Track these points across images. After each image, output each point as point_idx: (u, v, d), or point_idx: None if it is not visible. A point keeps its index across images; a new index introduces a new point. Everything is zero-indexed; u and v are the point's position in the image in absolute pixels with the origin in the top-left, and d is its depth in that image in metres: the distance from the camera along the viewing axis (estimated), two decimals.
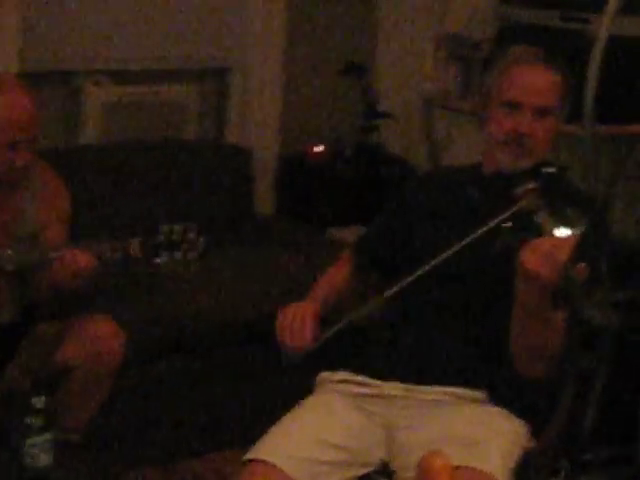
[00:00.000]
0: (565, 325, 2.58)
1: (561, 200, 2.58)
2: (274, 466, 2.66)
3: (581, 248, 2.35)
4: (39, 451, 2.78)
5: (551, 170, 2.76)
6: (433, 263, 2.67)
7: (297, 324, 2.86)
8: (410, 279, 2.70)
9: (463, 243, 2.65)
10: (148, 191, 4.72)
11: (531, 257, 2.36)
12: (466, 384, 2.78)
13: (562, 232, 2.42)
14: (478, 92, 3.27)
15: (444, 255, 2.66)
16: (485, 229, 2.62)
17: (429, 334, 2.88)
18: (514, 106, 2.83)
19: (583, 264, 2.26)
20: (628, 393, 3.83)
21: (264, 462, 2.68)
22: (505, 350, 2.68)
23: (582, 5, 4.25)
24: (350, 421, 2.80)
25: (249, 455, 2.72)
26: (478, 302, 2.81)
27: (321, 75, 5.42)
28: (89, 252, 3.28)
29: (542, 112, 2.84)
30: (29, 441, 2.76)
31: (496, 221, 2.60)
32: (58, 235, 3.49)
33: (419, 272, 2.69)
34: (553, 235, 2.42)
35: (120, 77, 5.04)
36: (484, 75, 3.22)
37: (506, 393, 2.77)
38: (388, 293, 2.75)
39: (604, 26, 3.96)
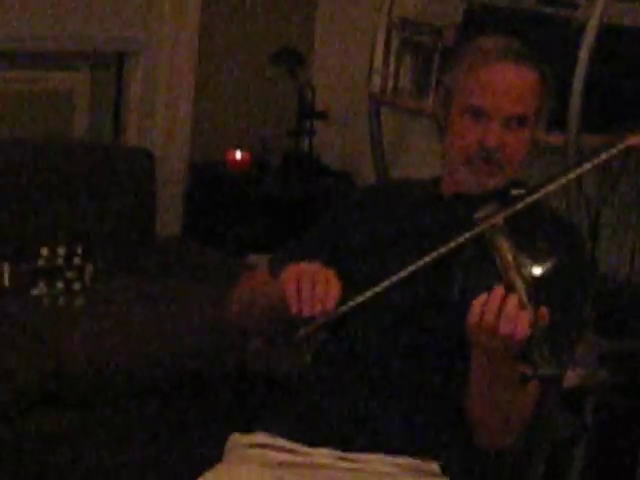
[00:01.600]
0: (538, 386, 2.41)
1: (531, 229, 2.43)
2: None
3: (547, 289, 2.30)
4: None
5: (519, 192, 2.50)
6: (369, 294, 2.38)
7: (322, 286, 2.42)
8: (367, 296, 2.41)
9: (404, 273, 2.38)
10: (24, 204, 4.29)
11: (476, 329, 2.24)
12: (416, 453, 2.49)
13: (527, 270, 2.30)
14: (437, 90, 3.02)
15: (385, 283, 2.38)
16: (430, 258, 2.39)
17: (371, 389, 2.57)
18: (481, 113, 2.51)
19: (543, 307, 2.17)
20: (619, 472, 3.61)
21: None
22: (464, 414, 2.49)
23: None
24: None
25: None
26: (433, 354, 2.52)
27: (245, 63, 5.04)
28: None
29: (516, 121, 2.52)
30: None
31: (444, 249, 2.37)
32: None
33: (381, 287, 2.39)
34: (515, 273, 2.28)
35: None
36: (444, 70, 2.94)
37: (464, 466, 2.52)
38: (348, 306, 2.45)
39: (596, 12, 3.63)
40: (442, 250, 2.35)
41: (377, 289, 2.36)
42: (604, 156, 2.47)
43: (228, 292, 2.77)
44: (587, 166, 2.51)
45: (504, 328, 2.13)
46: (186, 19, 4.84)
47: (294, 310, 2.34)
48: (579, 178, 2.98)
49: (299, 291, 2.38)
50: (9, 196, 4.22)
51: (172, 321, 4.01)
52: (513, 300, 2.17)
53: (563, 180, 2.55)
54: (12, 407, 3.54)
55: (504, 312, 2.16)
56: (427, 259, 2.35)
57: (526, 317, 2.15)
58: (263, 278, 2.67)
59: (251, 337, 2.95)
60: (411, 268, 2.33)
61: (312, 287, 2.38)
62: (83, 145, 4.78)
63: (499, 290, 2.18)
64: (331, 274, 2.42)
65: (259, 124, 4.99)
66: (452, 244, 2.35)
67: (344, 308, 2.39)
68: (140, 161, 4.66)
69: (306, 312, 2.35)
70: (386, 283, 2.35)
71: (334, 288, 2.40)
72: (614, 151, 2.47)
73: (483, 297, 2.19)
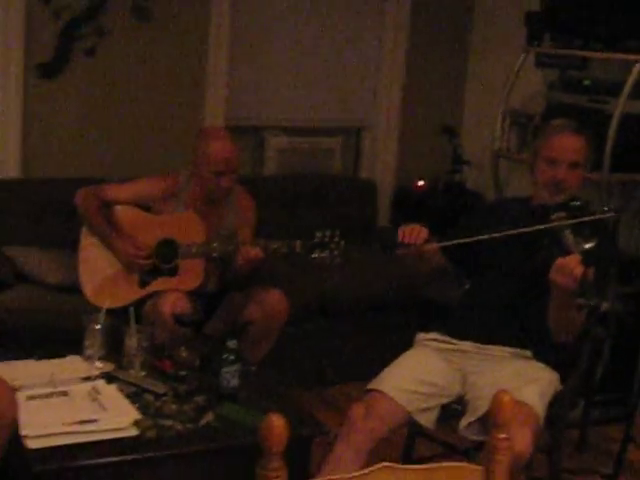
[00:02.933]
0: (584, 312, 2.95)
1: (582, 223, 2.99)
2: (385, 394, 3.01)
3: (592, 257, 2.84)
4: (231, 377, 3.09)
5: (577, 203, 3.14)
6: (484, 237, 3.09)
7: (415, 229, 3.16)
8: (459, 241, 3.14)
9: (515, 232, 3.06)
10: (307, 208, 5.09)
11: (556, 276, 2.81)
12: (518, 346, 3.16)
13: (581, 246, 2.90)
14: (530, 149, 3.53)
15: (498, 234, 3.07)
16: (529, 230, 3.03)
17: (495, 310, 3.21)
18: (552, 161, 3.21)
19: (591, 268, 2.75)
20: (626, 357, 4.09)
21: (379, 391, 3.03)
22: (544, 323, 3.07)
23: (604, 91, 4.46)
24: (437, 366, 3.16)
25: (369, 386, 3.08)
26: (528, 291, 3.15)
27: (425, 132, 5.73)
28: (259, 247, 3.69)
29: (573, 165, 3.20)
30: (224, 370, 3.08)
31: (537, 229, 3.02)
32: (246, 235, 3.86)
33: (472, 239, 3.11)
34: (575, 248, 2.88)
35: (290, 131, 5.53)
36: (535, 138, 3.52)
37: (545, 353, 3.14)
38: (440, 244, 3.21)
39: (619, 106, 4.21)
40: (534, 229, 3.02)
41: (466, 240, 3.11)
42: (538, 228, 3.04)
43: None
44: (528, 230, 3.07)
45: (573, 271, 2.72)
46: (393, 108, 5.64)
47: (399, 239, 3.14)
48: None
49: (404, 230, 3.17)
50: (300, 203, 5.10)
51: (381, 273, 4.72)
52: (576, 259, 2.78)
53: (605, 215, 3.12)
54: (296, 316, 4.07)
55: (572, 265, 2.76)
56: (522, 230, 3.03)
57: (581, 269, 2.72)
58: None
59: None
60: (509, 232, 3.04)
61: (411, 231, 3.16)
62: (338, 177, 5.67)
63: (572, 256, 2.80)
64: (424, 230, 3.16)
65: (432, 166, 5.70)
66: (538, 228, 3.03)
67: (427, 245, 3.14)
68: (368, 186, 5.60)
69: (402, 239, 3.15)
70: (475, 238, 3.10)
71: (423, 235, 3.14)
72: (544, 227, 3.03)
73: (562, 259, 2.80)
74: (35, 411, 2.90)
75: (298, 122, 5.55)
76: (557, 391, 3.14)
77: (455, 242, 3.17)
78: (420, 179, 5.63)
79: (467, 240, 3.13)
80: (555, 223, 3.03)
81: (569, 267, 2.79)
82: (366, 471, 1.56)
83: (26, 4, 4.57)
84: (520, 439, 2.67)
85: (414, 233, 3.18)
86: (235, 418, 3.02)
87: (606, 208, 3.18)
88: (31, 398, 2.98)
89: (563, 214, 3.06)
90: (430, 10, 5.63)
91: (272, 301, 3.88)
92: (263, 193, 4.40)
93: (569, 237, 2.94)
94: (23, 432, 2.76)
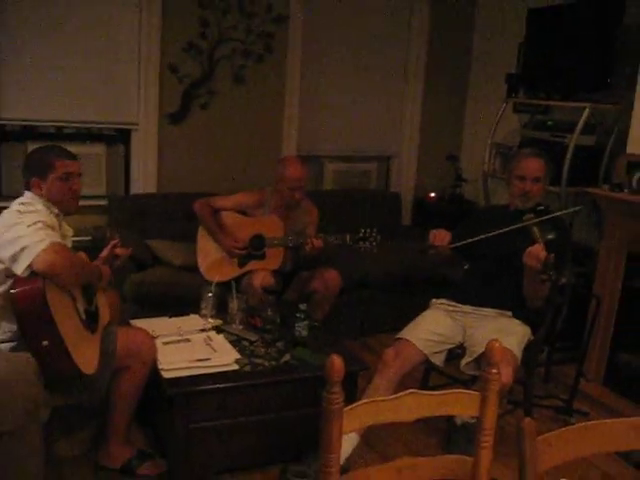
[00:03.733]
0: (547, 284, 2.93)
1: (546, 221, 3.01)
2: (409, 341, 3.04)
3: (553, 246, 2.82)
4: (302, 329, 3.12)
5: (541, 207, 3.14)
6: (481, 237, 3.04)
7: (441, 234, 3.15)
8: (468, 241, 3.07)
9: (500, 232, 3.01)
10: (353, 212, 5.02)
11: (527, 259, 2.84)
12: (503, 308, 3.14)
13: (545, 238, 2.88)
14: (507, 170, 3.39)
15: (489, 235, 3.03)
16: (509, 229, 2.99)
17: (486, 281, 3.19)
18: (521, 178, 3.17)
19: (552, 254, 2.75)
20: (578, 316, 3.97)
21: (405, 339, 3.05)
22: (521, 292, 3.06)
23: (562, 129, 4.38)
24: (445, 322, 3.17)
25: (397, 336, 3.10)
26: (508, 270, 3.10)
27: (435, 158, 5.67)
28: (320, 240, 3.69)
29: (536, 180, 3.16)
30: (297, 324, 3.12)
31: (514, 227, 2.99)
32: (312, 231, 3.88)
33: (474, 239, 3.06)
34: (540, 239, 2.85)
35: (341, 159, 5.51)
36: (510, 161, 3.41)
37: (521, 313, 3.12)
38: (458, 244, 3.13)
39: (573, 140, 4.14)
40: (512, 227, 2.99)
41: (470, 240, 3.06)
42: (515, 227, 2.99)
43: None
44: (510, 229, 3.00)
45: (538, 256, 2.75)
46: (412, 141, 5.61)
47: (430, 240, 3.15)
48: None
49: (435, 234, 3.17)
50: (344, 206, 5.00)
51: (404, 257, 4.61)
52: (540, 248, 2.80)
53: (558, 213, 3.17)
54: (346, 287, 4.01)
55: (537, 251, 2.77)
56: (504, 230, 3.00)
57: (544, 254, 2.74)
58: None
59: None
60: (496, 232, 3.02)
61: (439, 235, 3.15)
62: (374, 191, 5.57)
63: (537, 245, 2.81)
64: (448, 233, 3.15)
65: (441, 183, 5.62)
66: (515, 226, 2.99)
67: (450, 245, 3.13)
68: (395, 198, 5.50)
69: (433, 242, 3.15)
70: (476, 238, 3.04)
71: (446, 237, 3.14)
72: (519, 226, 2.99)
73: (531, 247, 2.81)
74: (168, 352, 2.94)
75: (347, 152, 5.53)
76: (529, 340, 3.11)
77: (465, 242, 3.10)
78: (432, 192, 5.62)
79: (472, 240, 3.08)
80: (526, 222, 3.00)
81: (536, 253, 2.78)
82: (398, 395, 1.56)
83: (160, 73, 4.63)
84: (505, 374, 2.65)
85: (441, 236, 3.17)
86: (305, 358, 3.04)
87: (576, 208, 3.31)
88: (165, 343, 3.02)
89: (531, 215, 3.03)
90: (439, 71, 5.58)
91: (329, 277, 3.87)
92: (323, 202, 4.36)
93: (536, 231, 2.90)
94: (160, 366, 2.81)
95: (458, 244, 3.12)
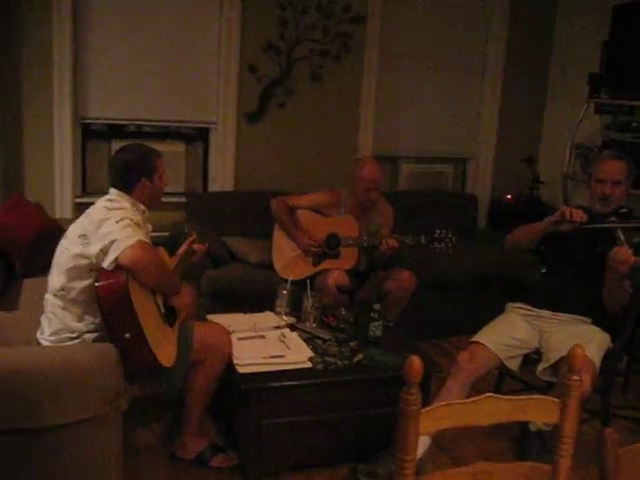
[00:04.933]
0: (630, 289, 2.91)
1: (631, 225, 2.94)
2: (484, 345, 3.00)
3: (638, 250, 2.77)
4: (375, 329, 3.12)
5: (624, 210, 3.08)
6: (611, 225, 2.92)
7: (580, 212, 2.98)
8: (603, 225, 2.96)
9: (602, 226, 2.96)
10: (429, 213, 4.94)
11: (614, 263, 2.79)
12: (581, 314, 3.08)
13: (630, 241, 2.82)
14: (588, 173, 3.38)
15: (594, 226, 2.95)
16: (594, 227, 2.96)
17: (566, 286, 3.13)
18: (601, 181, 3.11)
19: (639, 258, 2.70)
20: None
21: (479, 342, 3.01)
22: (600, 298, 3.00)
23: None
24: (521, 326, 3.11)
25: (472, 339, 3.06)
26: (589, 275, 3.06)
27: (512, 160, 5.60)
28: (395, 240, 3.69)
29: (616, 183, 3.09)
30: (371, 324, 3.12)
31: (598, 226, 2.96)
32: (387, 232, 3.86)
33: (610, 225, 2.94)
34: (624, 244, 2.80)
35: (417, 160, 5.49)
36: (591, 164, 3.37)
37: (601, 320, 3.05)
38: (593, 225, 2.99)
39: None
40: (595, 226, 2.96)
41: (604, 225, 2.96)
42: (599, 227, 2.93)
43: (506, 238, 3.33)
44: (594, 227, 2.94)
45: (627, 259, 2.72)
46: (489, 143, 5.55)
47: (566, 216, 2.96)
48: None
49: (571, 210, 3.00)
50: (420, 210, 4.94)
51: (479, 257, 4.60)
52: (628, 252, 2.75)
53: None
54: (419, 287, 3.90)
55: (626, 255, 2.72)
56: (592, 227, 2.96)
57: (632, 258, 2.71)
58: (530, 226, 3.20)
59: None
60: (597, 226, 2.95)
61: (577, 212, 2.98)
62: (451, 192, 5.57)
63: (625, 249, 2.77)
64: (584, 213, 2.97)
65: (518, 185, 5.53)
66: (599, 226, 2.97)
67: (585, 224, 2.97)
68: (471, 199, 5.46)
69: (569, 217, 2.97)
70: (607, 225, 2.95)
71: (585, 216, 2.97)
72: (603, 226, 2.92)
73: (619, 249, 2.76)
74: (243, 348, 2.96)
75: (422, 153, 5.51)
76: (609, 348, 3.03)
77: (599, 226, 2.99)
78: (508, 194, 5.56)
79: (607, 226, 2.96)
80: (612, 224, 2.92)
81: (625, 256, 2.73)
82: (476, 398, 1.54)
83: (239, 72, 4.69)
84: (584, 382, 2.51)
85: (579, 213, 3.03)
86: (378, 358, 3.02)
87: None
88: (240, 339, 3.05)
89: (614, 218, 2.97)
90: (518, 71, 5.51)
91: (404, 278, 3.85)
92: (399, 203, 4.35)
93: (620, 234, 2.84)
94: (235, 361, 2.84)
95: (593, 225, 3.00)
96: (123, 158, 2.70)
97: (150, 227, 2.83)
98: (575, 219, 2.99)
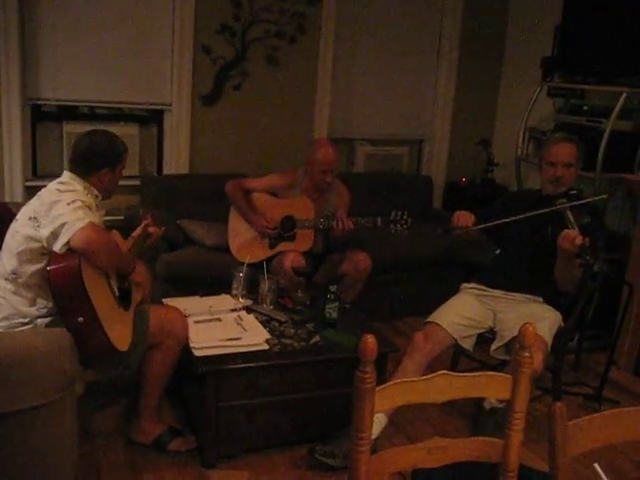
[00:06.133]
0: (580, 269, 2.93)
1: (579, 205, 2.98)
2: (439, 325, 3.04)
3: (588, 230, 2.80)
4: (332, 311, 3.13)
5: (574, 192, 3.11)
6: (507, 220, 3.02)
7: (465, 216, 3.15)
8: (493, 223, 3.05)
9: (530, 214, 2.98)
10: (385, 195, 4.99)
11: (563, 242, 2.81)
12: (534, 293, 3.13)
13: (579, 222, 2.85)
14: (539, 156, 3.36)
15: (517, 218, 2.99)
16: (540, 212, 2.97)
17: (517, 266, 3.18)
18: (553, 164, 3.16)
19: (587, 238, 2.72)
20: (609, 303, 3.97)
21: (435, 323, 3.05)
22: (552, 277, 3.03)
23: (598, 114, 4.34)
24: (475, 306, 3.17)
25: (427, 319, 3.10)
26: (540, 255, 3.10)
27: (467, 143, 5.66)
28: (351, 222, 3.67)
29: (567, 165, 3.14)
30: (327, 306, 3.13)
31: (546, 210, 2.96)
32: (343, 213, 3.81)
33: (499, 222, 3.03)
34: (574, 225, 2.82)
35: (372, 142, 5.47)
36: (543, 147, 3.37)
37: (552, 299, 3.11)
38: (482, 226, 3.10)
39: (609, 125, 4.10)
40: (544, 211, 2.96)
41: (494, 223, 3.03)
42: (547, 211, 2.95)
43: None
44: (541, 212, 2.97)
45: (575, 239, 2.71)
46: (445, 124, 5.56)
47: (454, 223, 3.12)
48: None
49: (458, 216, 3.14)
50: (375, 191, 4.93)
51: (435, 239, 4.36)
52: (575, 232, 2.77)
53: (589, 199, 3.06)
54: (376, 270, 3.92)
55: (574, 235, 2.73)
56: (535, 213, 2.97)
57: (579, 238, 2.71)
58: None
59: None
60: (526, 215, 2.99)
61: (463, 217, 3.12)
62: (405, 175, 5.51)
63: (572, 230, 2.79)
64: (472, 215, 3.12)
65: (473, 167, 5.60)
66: (547, 209, 2.96)
67: (474, 226, 3.09)
68: (427, 181, 5.43)
69: (457, 223, 3.11)
70: (501, 221, 3.01)
71: (471, 219, 3.12)
72: (549, 209, 2.95)
73: (567, 231, 2.78)
74: (199, 331, 2.96)
75: (378, 135, 5.52)
76: (560, 327, 3.09)
77: (491, 224, 3.08)
78: (463, 177, 5.60)
79: (497, 223, 3.05)
80: (559, 206, 2.96)
81: (572, 236, 2.75)
82: (429, 376, 1.56)
83: (193, 55, 4.64)
84: (535, 359, 2.54)
85: (465, 218, 3.15)
86: (334, 339, 3.04)
87: (604, 196, 3.15)
88: (197, 322, 3.05)
89: (564, 200, 2.98)
90: (472, 54, 5.54)
91: (360, 259, 3.86)
92: (355, 185, 4.35)
93: (569, 215, 2.88)
94: (191, 344, 2.83)
95: (482, 226, 3.11)
96: (92, 142, 2.66)
97: (104, 212, 2.79)
98: (462, 224, 3.09)
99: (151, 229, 2.99)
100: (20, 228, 2.49)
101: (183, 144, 4.76)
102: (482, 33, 5.54)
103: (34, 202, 2.51)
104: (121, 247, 2.71)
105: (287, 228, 3.91)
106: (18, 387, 2.16)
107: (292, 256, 3.73)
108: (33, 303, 2.50)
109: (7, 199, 4.23)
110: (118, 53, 4.48)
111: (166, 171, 4.80)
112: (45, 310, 2.50)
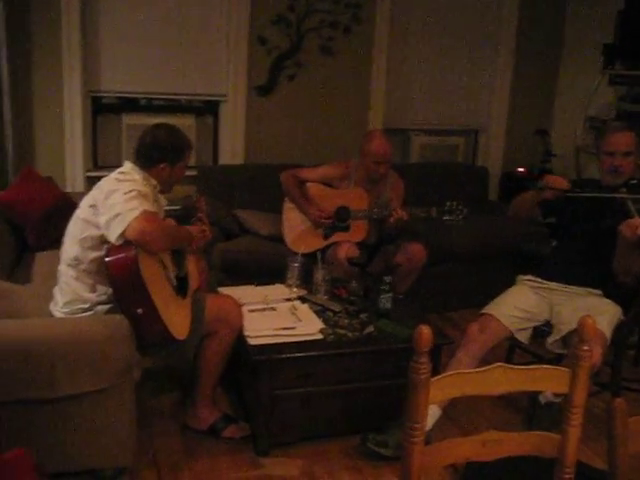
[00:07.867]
0: None
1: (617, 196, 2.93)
2: (494, 317, 3.00)
3: None
4: (385, 301, 3.12)
5: (634, 181, 3.04)
6: (598, 195, 2.98)
7: (561, 179, 3.10)
8: (586, 194, 3.01)
9: (602, 195, 2.97)
10: (440, 185, 4.96)
11: (625, 230, 2.76)
12: (592, 286, 3.06)
13: None
14: (596, 146, 3.31)
15: (594, 194, 2.98)
16: (605, 195, 2.96)
17: (577, 259, 3.12)
18: (611, 153, 3.07)
19: None
20: None
21: (490, 315, 3.02)
22: (611, 270, 2.98)
23: None
24: (531, 299, 3.11)
25: (483, 311, 3.06)
26: (599, 247, 3.03)
27: (524, 133, 5.60)
28: (405, 212, 3.64)
29: (625, 154, 3.06)
30: (381, 296, 3.11)
31: (607, 196, 2.95)
32: (397, 204, 3.80)
33: (592, 194, 3.01)
34: (635, 215, 2.77)
35: (427, 132, 5.48)
36: (600, 136, 3.32)
37: (612, 292, 3.04)
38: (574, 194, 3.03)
39: None
40: (604, 195, 2.97)
41: (587, 194, 3.01)
42: (608, 196, 2.92)
43: (510, 206, 3.35)
44: (603, 197, 2.95)
45: (637, 228, 2.69)
46: (501, 118, 5.51)
47: (547, 183, 3.05)
48: None
49: (553, 177, 3.13)
50: (434, 184, 4.92)
51: (490, 230, 4.56)
52: (639, 221, 2.73)
53: None
54: (431, 261, 3.90)
55: (637, 223, 2.70)
56: (600, 195, 2.98)
57: None
58: (522, 196, 3.23)
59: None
60: (600, 195, 2.98)
61: (558, 179, 3.10)
62: (462, 165, 5.50)
63: (636, 218, 2.75)
64: (564, 180, 3.09)
65: (530, 157, 5.57)
66: (607, 195, 2.96)
67: (566, 190, 3.03)
68: (482, 172, 5.41)
69: (552, 184, 3.04)
70: (591, 194, 3.01)
71: (564, 184, 3.06)
72: (610, 196, 2.92)
73: (629, 220, 2.74)
74: (254, 320, 2.98)
75: (434, 126, 5.49)
76: (620, 320, 3.01)
77: (582, 194, 3.03)
78: (520, 167, 5.52)
79: (589, 195, 3.01)
80: (621, 195, 2.90)
81: (636, 224, 2.70)
82: (486, 368, 1.53)
83: (248, 45, 4.67)
84: (594, 353, 2.58)
85: (559, 180, 3.10)
86: (388, 330, 3.03)
87: None
88: (251, 311, 3.07)
89: (624, 190, 2.93)
90: (530, 42, 5.45)
91: (414, 250, 3.85)
92: (409, 175, 4.32)
93: (630, 205, 2.82)
94: (246, 333, 2.85)
95: (574, 194, 3.04)
96: (154, 136, 2.69)
97: (165, 202, 2.83)
98: (556, 186, 3.02)
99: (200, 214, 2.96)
100: (82, 215, 2.54)
101: (238, 134, 4.79)
102: (540, 20, 5.45)
103: (94, 191, 2.55)
104: (173, 226, 2.73)
105: (341, 218, 3.91)
106: (79, 372, 2.22)
107: (346, 246, 3.74)
108: (93, 289, 2.55)
109: (69, 189, 4.32)
110: (175, 46, 4.55)
111: (222, 161, 4.84)
112: (105, 297, 2.54)
